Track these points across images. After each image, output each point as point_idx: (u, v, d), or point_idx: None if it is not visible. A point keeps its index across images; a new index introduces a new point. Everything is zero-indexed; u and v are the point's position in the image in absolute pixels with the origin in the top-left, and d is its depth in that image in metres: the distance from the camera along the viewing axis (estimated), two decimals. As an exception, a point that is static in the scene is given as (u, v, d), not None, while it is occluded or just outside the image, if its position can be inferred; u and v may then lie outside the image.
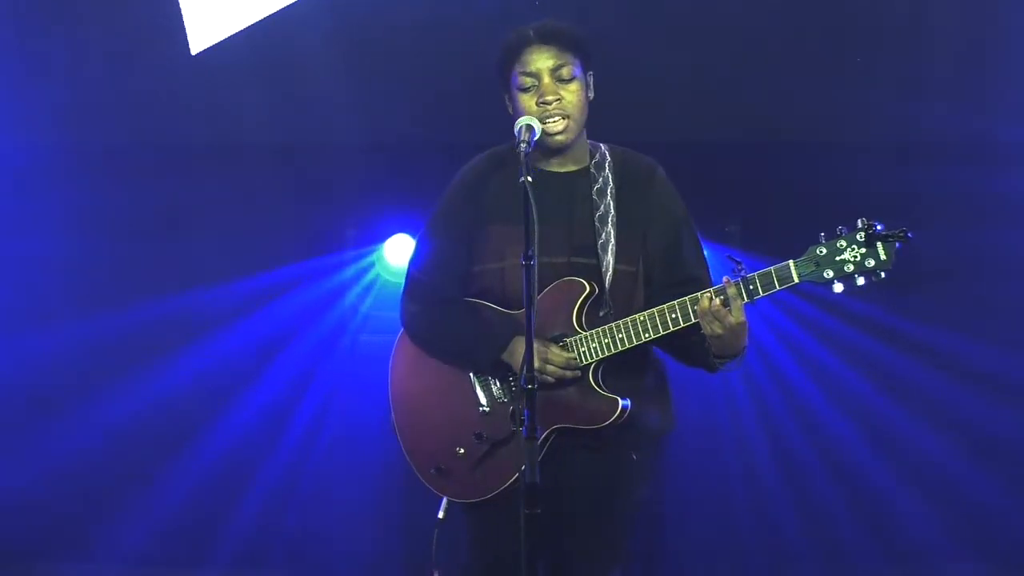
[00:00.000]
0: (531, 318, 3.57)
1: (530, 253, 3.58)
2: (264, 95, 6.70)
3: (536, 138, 3.87)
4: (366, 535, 6.81)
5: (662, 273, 4.05)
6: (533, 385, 3.51)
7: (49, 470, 6.83)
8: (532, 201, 3.61)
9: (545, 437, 3.87)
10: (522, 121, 3.87)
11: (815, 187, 6.59)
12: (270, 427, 6.96)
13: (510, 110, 4.06)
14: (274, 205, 6.92)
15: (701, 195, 6.69)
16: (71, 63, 6.65)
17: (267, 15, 6.53)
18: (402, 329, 4.19)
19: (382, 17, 6.57)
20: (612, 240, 3.99)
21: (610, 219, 4.01)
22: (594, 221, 4.01)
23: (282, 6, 6.53)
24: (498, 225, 4.02)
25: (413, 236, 6.28)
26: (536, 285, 3.61)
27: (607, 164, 4.09)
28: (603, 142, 4.18)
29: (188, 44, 6.57)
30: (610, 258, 3.97)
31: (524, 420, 3.47)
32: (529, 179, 3.65)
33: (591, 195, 4.04)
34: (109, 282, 6.87)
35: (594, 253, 3.98)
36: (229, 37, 6.57)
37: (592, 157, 4.11)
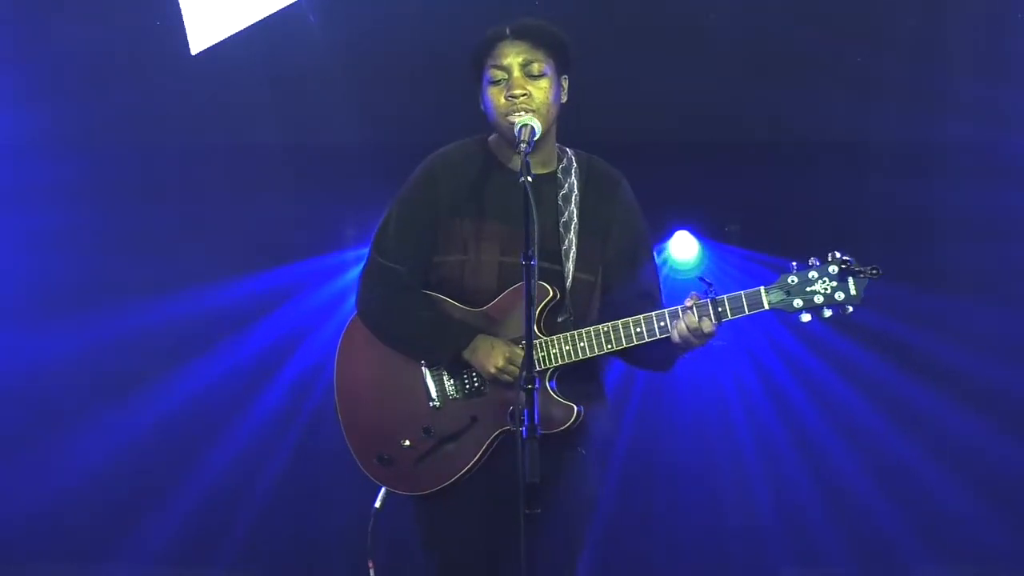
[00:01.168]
0: (531, 317, 3.57)
1: (530, 253, 3.58)
2: (264, 95, 6.71)
3: (536, 138, 3.87)
4: (364, 533, 6.80)
5: (619, 284, 4.06)
6: (532, 385, 3.50)
7: (51, 476, 6.85)
8: (532, 201, 3.60)
9: (493, 438, 3.89)
10: (523, 120, 3.87)
11: (814, 188, 6.60)
12: (271, 427, 6.96)
13: (482, 106, 4.05)
14: (274, 205, 6.92)
15: (701, 195, 6.78)
16: (71, 63, 6.65)
17: (267, 15, 6.53)
18: (355, 313, 4.15)
19: (382, 17, 6.57)
20: (573, 248, 4.00)
21: (573, 227, 4.02)
22: (558, 227, 4.01)
23: (282, 6, 6.53)
24: (464, 218, 4.00)
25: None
26: (526, 283, 3.59)
27: (573, 170, 4.09)
28: (570, 146, 4.16)
29: (188, 44, 6.58)
30: (571, 265, 3.98)
31: (524, 420, 3.46)
32: (530, 179, 3.64)
33: (557, 200, 4.03)
34: (107, 283, 6.87)
35: (557, 259, 3.97)
36: (229, 37, 6.57)
37: (560, 161, 4.10)
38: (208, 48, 6.59)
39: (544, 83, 3.96)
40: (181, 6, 6.56)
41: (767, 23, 6.48)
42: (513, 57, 3.95)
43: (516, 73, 3.95)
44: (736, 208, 6.91)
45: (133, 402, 6.88)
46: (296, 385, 6.97)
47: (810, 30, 6.49)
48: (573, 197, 4.05)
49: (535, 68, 3.96)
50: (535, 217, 3.59)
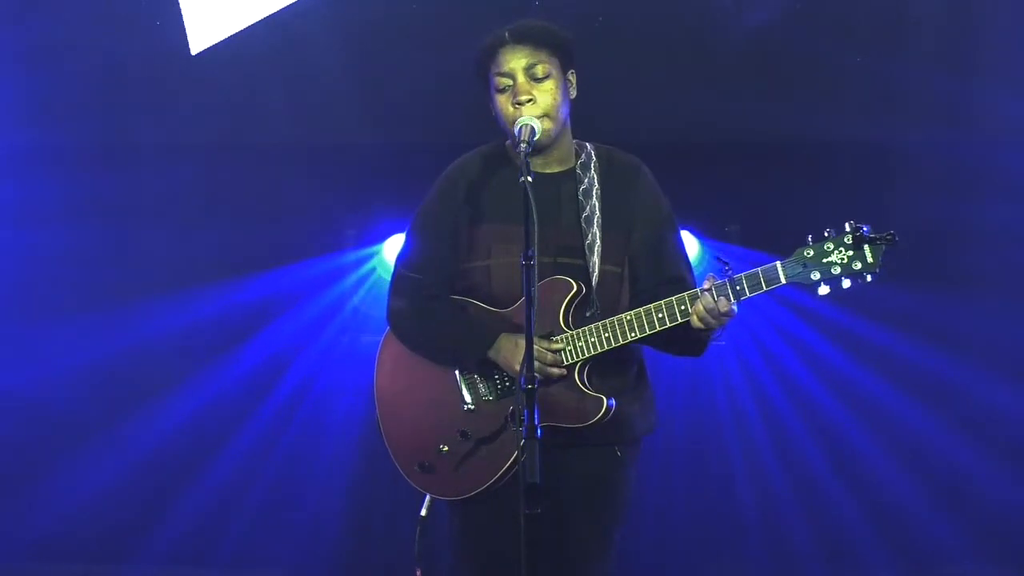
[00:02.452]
0: (531, 317, 3.58)
1: (530, 253, 3.59)
2: (264, 95, 6.70)
3: (536, 137, 3.88)
4: (366, 534, 6.81)
5: (647, 273, 4.07)
6: (533, 385, 3.50)
7: (54, 481, 6.86)
8: (532, 201, 3.61)
9: None
10: (523, 121, 3.88)
11: (814, 187, 6.60)
12: (270, 428, 6.95)
13: (492, 113, 4.07)
14: (274, 205, 6.91)
15: (701, 195, 6.78)
16: (70, 63, 6.64)
17: (267, 15, 6.53)
18: (388, 326, 4.19)
19: (382, 17, 6.57)
20: (598, 241, 4.01)
21: (596, 220, 4.03)
22: (580, 222, 4.02)
23: (282, 6, 6.53)
24: (485, 223, 4.03)
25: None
26: (526, 284, 3.60)
27: (592, 164, 4.10)
28: (590, 141, 4.18)
29: (188, 44, 6.58)
30: (596, 259, 3.99)
31: (524, 420, 3.46)
32: (529, 179, 3.66)
33: (577, 196, 4.04)
34: (107, 281, 6.85)
35: (581, 254, 3.99)
36: (229, 37, 6.57)
37: (578, 157, 4.11)
38: (208, 48, 6.59)
39: (549, 84, 3.97)
40: (181, 6, 6.56)
41: (769, 24, 6.49)
42: (516, 62, 3.96)
43: (520, 79, 3.96)
44: (736, 208, 6.91)
45: (137, 404, 6.87)
46: (296, 385, 6.96)
47: (811, 31, 6.50)
48: (594, 191, 4.06)
49: (539, 71, 3.96)
50: (535, 218, 3.61)
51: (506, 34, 3.99)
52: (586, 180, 4.07)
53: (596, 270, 3.98)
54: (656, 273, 4.06)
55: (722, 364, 6.97)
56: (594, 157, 4.11)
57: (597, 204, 4.04)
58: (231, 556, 6.87)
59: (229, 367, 6.91)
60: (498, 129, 4.09)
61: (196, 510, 6.86)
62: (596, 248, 3.99)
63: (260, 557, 6.90)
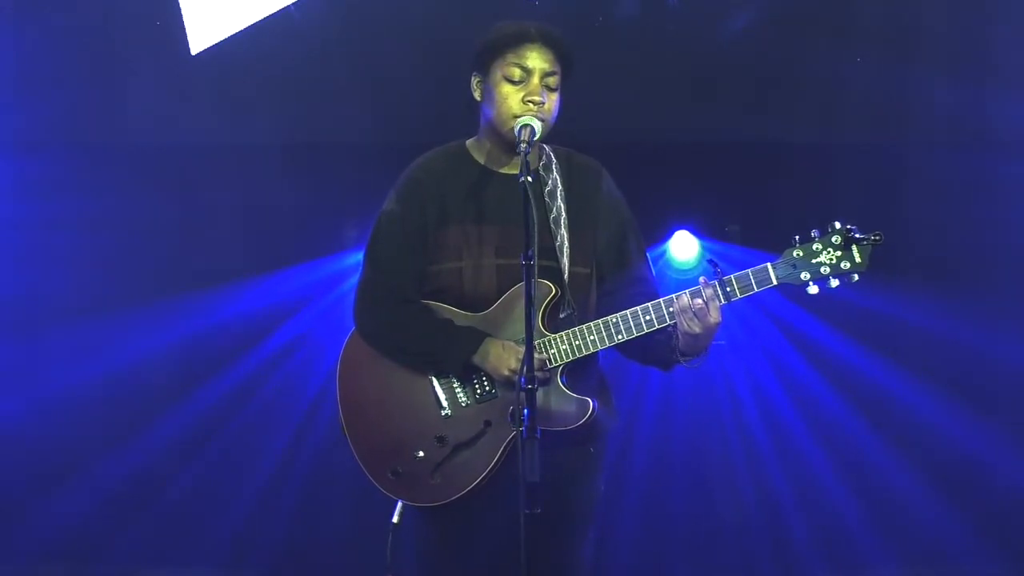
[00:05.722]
0: (531, 317, 3.57)
1: (530, 253, 3.59)
2: (264, 95, 6.71)
3: (536, 138, 3.87)
4: (335, 541, 6.82)
5: (611, 274, 4.07)
6: (533, 385, 3.51)
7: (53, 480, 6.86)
8: (532, 201, 3.61)
9: (510, 440, 3.85)
10: (524, 120, 3.87)
11: (815, 188, 6.61)
12: (269, 428, 6.95)
13: (477, 95, 4.03)
14: (274, 206, 6.91)
15: (701, 195, 6.79)
16: (71, 62, 6.65)
17: (267, 15, 6.53)
18: (353, 329, 4.13)
19: (382, 18, 6.58)
20: (566, 243, 4.00)
21: (563, 221, 4.02)
22: (549, 223, 4.01)
23: (282, 6, 6.54)
24: (456, 225, 4.00)
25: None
26: (527, 283, 3.59)
27: (554, 166, 4.09)
28: (564, 145, 4.17)
29: (188, 44, 6.58)
30: (566, 260, 3.98)
31: (524, 420, 3.46)
32: (529, 179, 3.65)
33: (543, 197, 4.03)
34: (109, 282, 6.86)
35: (553, 255, 3.97)
36: (229, 37, 6.57)
37: (540, 159, 4.10)
38: (208, 48, 6.60)
39: (555, 97, 3.98)
40: (181, 6, 6.57)
41: (768, 25, 6.49)
42: (539, 63, 3.94)
43: (536, 80, 3.93)
44: (736, 208, 6.91)
45: (138, 409, 6.86)
46: (295, 386, 6.96)
47: (811, 31, 6.51)
48: (559, 192, 4.06)
49: (552, 81, 3.96)
50: (535, 218, 3.60)
51: (533, 30, 3.97)
52: (550, 181, 4.06)
53: (567, 271, 3.97)
54: (619, 274, 4.06)
55: (720, 366, 6.98)
56: (554, 159, 4.11)
57: (563, 206, 4.04)
58: (200, 559, 6.86)
59: (230, 370, 6.91)
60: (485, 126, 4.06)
61: (182, 511, 6.87)
62: (565, 249, 3.99)
63: (234, 561, 6.90)
